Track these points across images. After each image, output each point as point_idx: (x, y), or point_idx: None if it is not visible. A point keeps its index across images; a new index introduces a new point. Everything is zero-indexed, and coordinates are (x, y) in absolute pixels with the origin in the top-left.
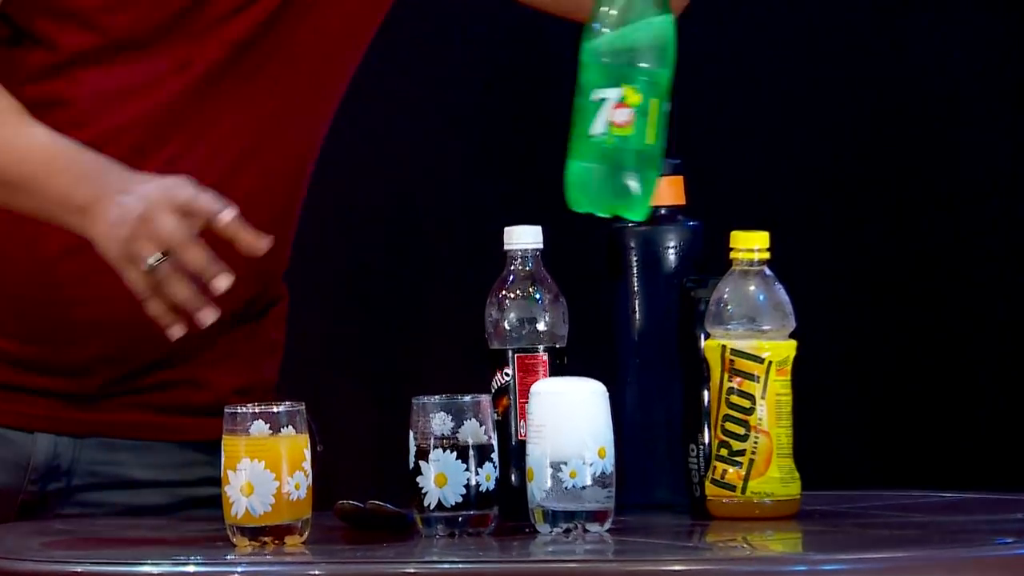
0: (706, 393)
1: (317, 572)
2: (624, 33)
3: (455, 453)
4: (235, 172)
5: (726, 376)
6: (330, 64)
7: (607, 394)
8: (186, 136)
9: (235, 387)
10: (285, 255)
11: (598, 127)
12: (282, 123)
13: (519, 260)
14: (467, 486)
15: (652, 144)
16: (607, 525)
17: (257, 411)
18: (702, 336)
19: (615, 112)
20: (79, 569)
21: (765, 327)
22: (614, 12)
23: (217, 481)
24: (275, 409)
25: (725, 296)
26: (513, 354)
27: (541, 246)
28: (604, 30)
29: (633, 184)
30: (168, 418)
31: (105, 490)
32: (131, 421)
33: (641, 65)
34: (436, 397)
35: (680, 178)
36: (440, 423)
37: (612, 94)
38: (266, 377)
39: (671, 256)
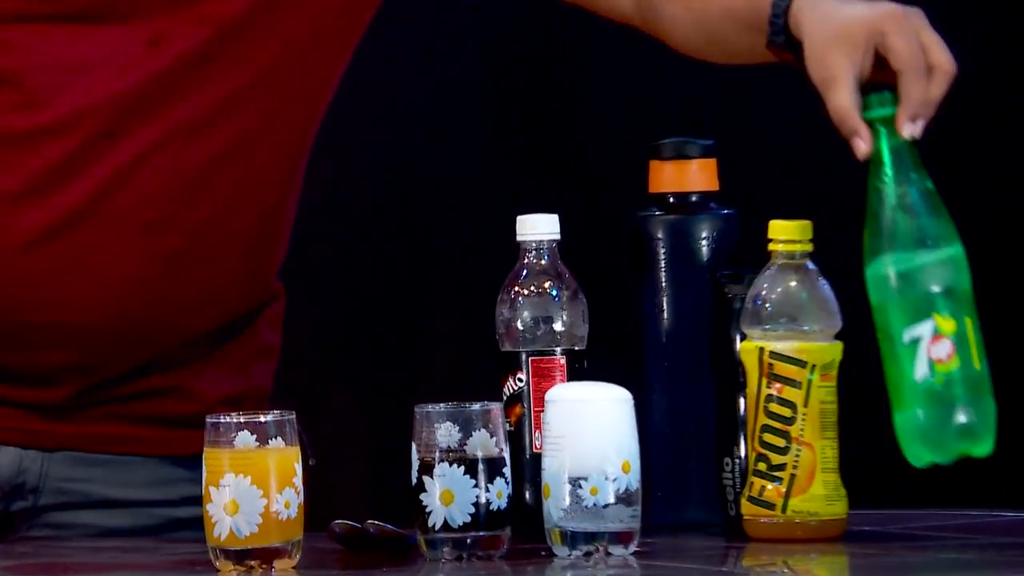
0: (742, 401)
1: None
2: (915, 256)
3: (463, 467)
4: (219, 166)
5: (764, 382)
6: (326, 51)
7: (632, 401)
8: (161, 124)
9: (223, 396)
10: (279, 253)
11: (921, 370)
12: (273, 115)
13: (533, 253)
14: (476, 504)
15: (980, 368)
16: (632, 547)
17: (242, 421)
18: (737, 337)
19: (934, 348)
20: None
21: (808, 327)
22: (897, 239)
23: (201, 500)
24: (262, 419)
25: (763, 293)
26: (527, 357)
27: (558, 237)
28: (890, 262)
29: (974, 418)
30: (147, 430)
31: (76, 510)
32: (105, 434)
33: (943, 288)
34: (441, 405)
35: (713, 161)
36: (446, 434)
37: (926, 330)
38: (258, 384)
39: (703, 248)
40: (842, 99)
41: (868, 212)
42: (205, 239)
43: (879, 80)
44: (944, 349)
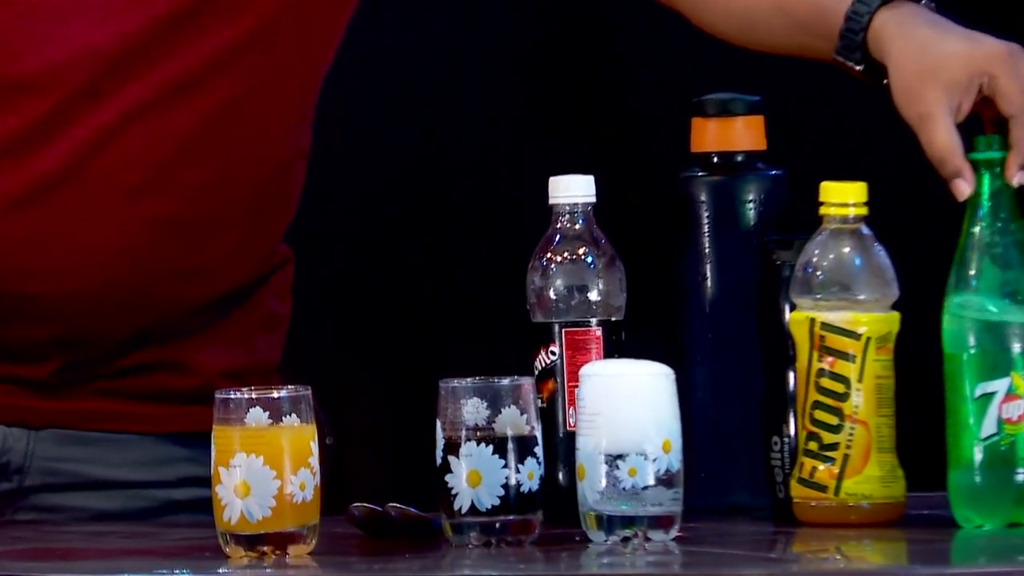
0: (791, 375)
1: None
2: (1000, 310)
3: (491, 447)
4: (212, 127)
5: (815, 355)
6: (326, 4)
7: (673, 376)
8: (148, 81)
9: (224, 369)
10: (284, 219)
11: (988, 428)
12: (270, 73)
13: (567, 216)
14: (505, 486)
15: None
16: (673, 533)
17: (254, 397)
18: (787, 307)
19: (1006, 407)
20: None
21: (862, 296)
22: (983, 289)
23: (201, 481)
24: (276, 395)
25: (814, 259)
26: (560, 329)
27: (593, 199)
28: (972, 312)
29: None
30: (141, 406)
31: (65, 492)
32: (96, 410)
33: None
34: (468, 380)
35: (760, 118)
36: (473, 411)
37: (1000, 387)
38: (263, 357)
39: (750, 211)
40: (943, 137)
41: (957, 253)
42: (199, 205)
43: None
44: (1017, 409)
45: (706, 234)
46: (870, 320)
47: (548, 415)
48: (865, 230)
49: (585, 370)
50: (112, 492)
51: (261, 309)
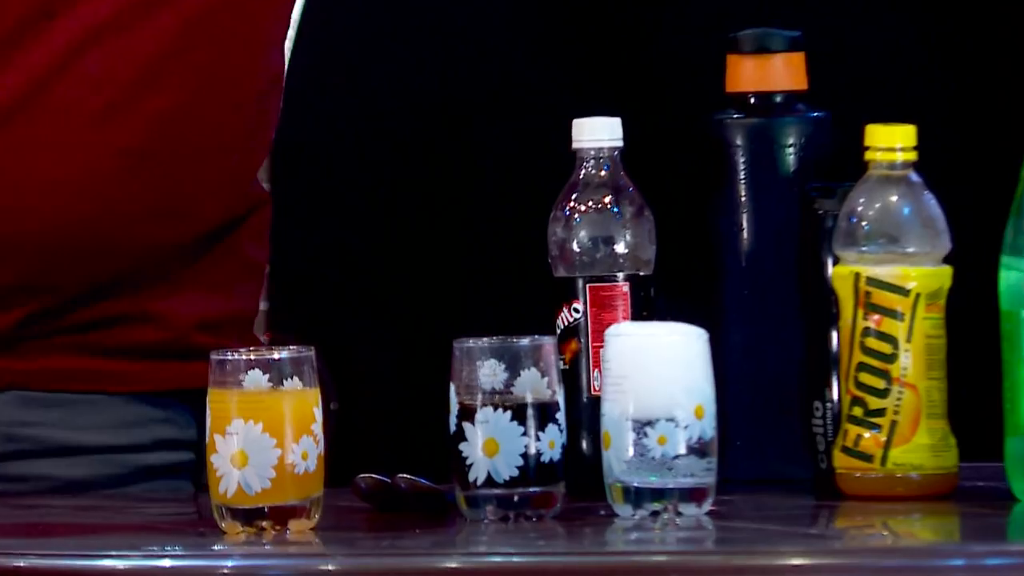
0: (834, 335)
1: (331, 567)
2: None
3: (509, 413)
4: (180, 48)
5: (860, 313)
6: None
7: (706, 337)
8: (108, 0)
9: (198, 321)
10: (260, 155)
11: None
12: None
13: (592, 162)
14: (524, 455)
15: None
16: (706, 506)
17: (253, 358)
18: (829, 261)
19: None
20: (21, 564)
21: (911, 249)
22: None
23: (178, 444)
24: (277, 356)
25: (859, 209)
26: (585, 284)
27: (621, 144)
28: None
29: None
30: (109, 363)
31: (28, 459)
32: (60, 368)
33: None
34: (485, 340)
35: (800, 56)
36: (490, 374)
37: None
38: (242, 307)
39: (789, 156)
40: None
41: (1015, 201)
42: (168, 133)
43: None
44: None
45: (742, 181)
46: (920, 275)
47: (571, 378)
48: (914, 177)
49: (611, 330)
50: (80, 458)
51: (238, 254)
